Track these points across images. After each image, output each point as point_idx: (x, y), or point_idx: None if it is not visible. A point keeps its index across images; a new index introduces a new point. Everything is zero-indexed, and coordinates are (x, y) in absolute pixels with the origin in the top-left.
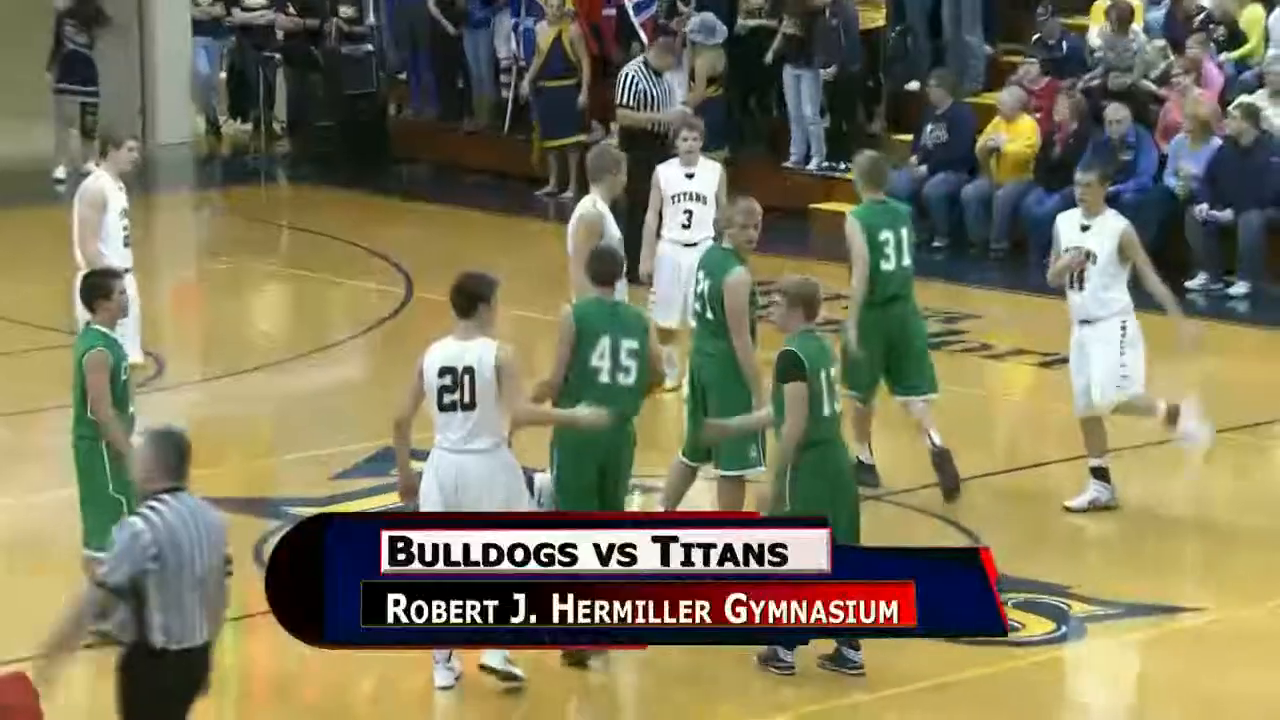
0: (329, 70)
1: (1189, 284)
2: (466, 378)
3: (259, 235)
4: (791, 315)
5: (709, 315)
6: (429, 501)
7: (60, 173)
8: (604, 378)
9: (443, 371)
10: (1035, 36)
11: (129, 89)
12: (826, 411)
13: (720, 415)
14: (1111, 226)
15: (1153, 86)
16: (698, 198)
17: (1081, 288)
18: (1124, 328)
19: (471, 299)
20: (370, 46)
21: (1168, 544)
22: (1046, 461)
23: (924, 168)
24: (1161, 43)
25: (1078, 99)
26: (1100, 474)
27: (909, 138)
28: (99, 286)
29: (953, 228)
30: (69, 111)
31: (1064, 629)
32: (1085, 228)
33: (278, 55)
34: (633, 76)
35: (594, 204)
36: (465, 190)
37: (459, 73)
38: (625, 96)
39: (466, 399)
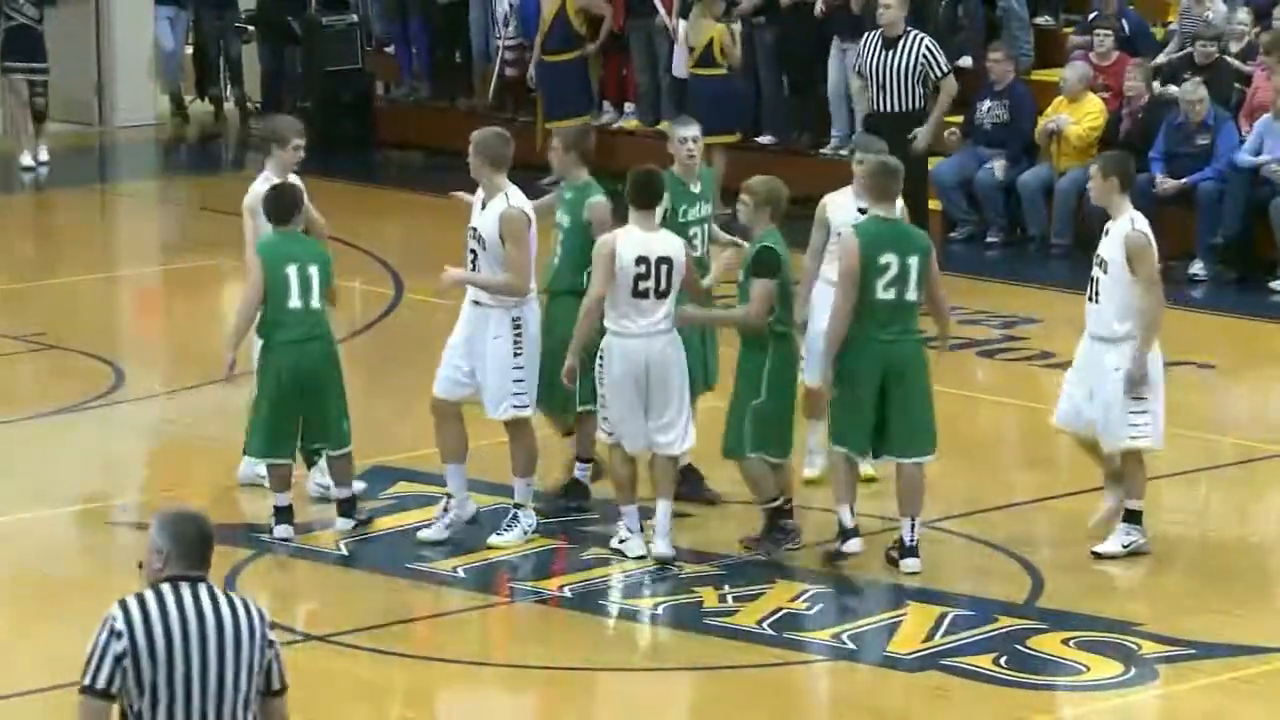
0: (307, 43)
1: (1275, 284)
2: (664, 267)
3: (228, 229)
4: (760, 214)
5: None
6: (622, 386)
7: (27, 159)
8: None
9: (639, 260)
10: (1092, 15)
11: (84, 64)
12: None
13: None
14: (1120, 231)
15: (1237, 62)
16: None
17: (1097, 299)
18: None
19: (656, 193)
20: (354, 16)
21: (1249, 575)
22: None
23: (1001, 161)
24: (1245, 13)
25: (1148, 69)
26: (1128, 515)
27: (959, 119)
28: (298, 199)
29: (1008, 219)
30: (18, 91)
31: (1133, 671)
32: (1106, 231)
33: (250, 27)
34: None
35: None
36: (461, 179)
37: (456, 45)
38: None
39: (663, 286)
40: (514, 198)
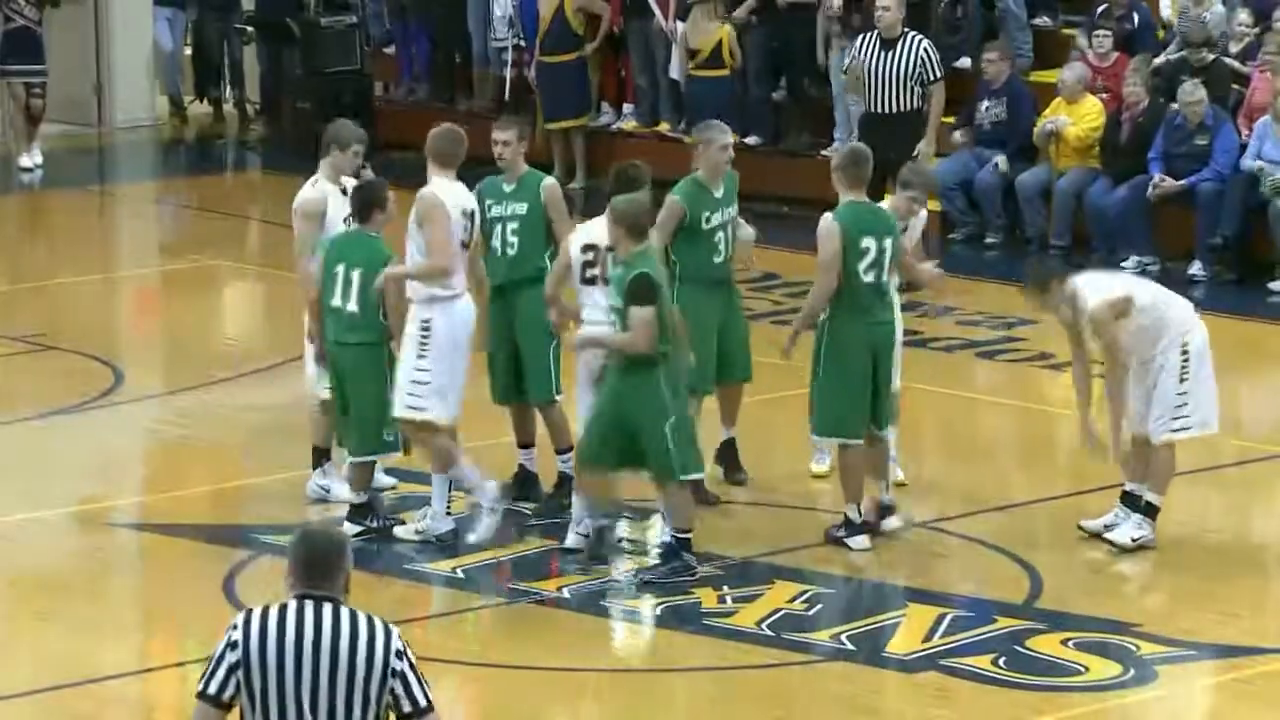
0: (306, 44)
1: (1272, 285)
2: (611, 254)
3: (227, 230)
4: (619, 233)
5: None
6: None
7: (26, 160)
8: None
9: (585, 248)
10: (1102, 7)
11: (83, 64)
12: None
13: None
14: (1084, 318)
15: (1235, 63)
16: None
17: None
18: (1185, 350)
19: (631, 184)
20: (354, 17)
21: (1249, 575)
22: (1113, 485)
23: (1002, 161)
24: (1245, 15)
25: (1147, 71)
26: (1146, 508)
27: (950, 119)
28: (377, 196)
29: (1007, 220)
30: (16, 94)
31: (1132, 671)
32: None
33: (250, 28)
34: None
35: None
36: (461, 180)
37: (456, 46)
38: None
39: (608, 275)
40: (437, 187)
